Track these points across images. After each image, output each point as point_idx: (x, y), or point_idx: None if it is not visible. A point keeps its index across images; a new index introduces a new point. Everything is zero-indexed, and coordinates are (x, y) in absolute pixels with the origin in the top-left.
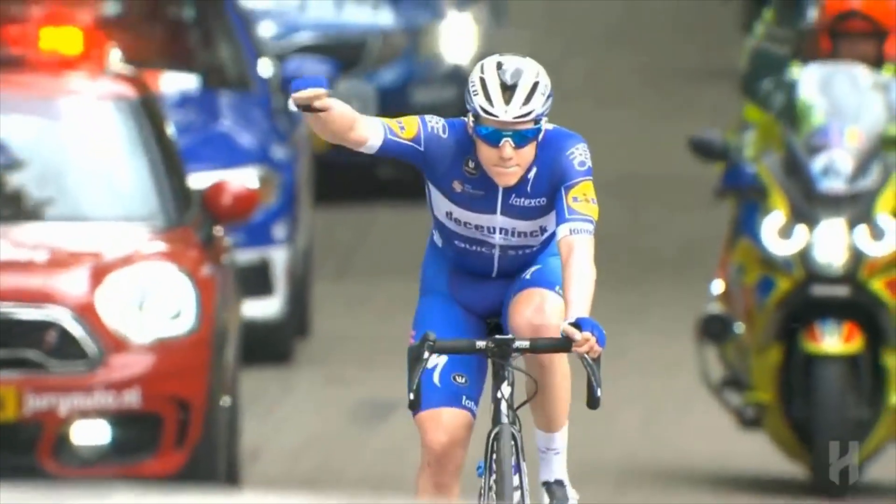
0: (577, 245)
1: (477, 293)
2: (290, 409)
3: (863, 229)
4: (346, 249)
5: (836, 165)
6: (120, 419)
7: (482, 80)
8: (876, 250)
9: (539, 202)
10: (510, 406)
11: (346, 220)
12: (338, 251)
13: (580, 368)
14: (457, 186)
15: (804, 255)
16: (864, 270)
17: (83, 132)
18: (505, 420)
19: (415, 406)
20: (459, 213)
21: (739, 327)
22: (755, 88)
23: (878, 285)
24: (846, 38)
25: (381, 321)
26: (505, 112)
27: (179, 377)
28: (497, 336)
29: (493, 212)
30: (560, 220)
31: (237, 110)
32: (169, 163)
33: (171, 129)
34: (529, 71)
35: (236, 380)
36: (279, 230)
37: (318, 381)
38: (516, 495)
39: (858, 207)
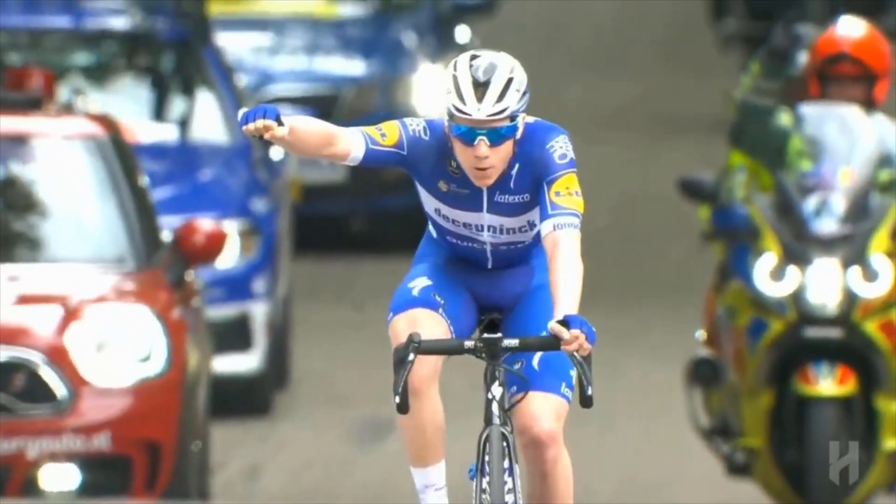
0: (562, 240)
1: (476, 279)
2: (267, 458)
3: (856, 270)
4: (320, 299)
5: (828, 206)
6: (90, 462)
7: (454, 78)
8: (869, 292)
9: (523, 198)
10: (501, 407)
11: (317, 270)
12: (312, 301)
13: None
14: (442, 186)
15: (797, 297)
16: (857, 312)
17: (52, 172)
18: (496, 421)
19: (403, 409)
20: (448, 210)
21: (729, 371)
22: (743, 139)
23: (871, 327)
24: (835, 82)
25: (359, 368)
26: (478, 110)
27: (150, 420)
28: (485, 335)
29: (480, 210)
30: (543, 216)
31: (217, 162)
32: (139, 203)
33: (145, 178)
34: (503, 67)
35: (207, 424)
36: (259, 284)
37: (302, 427)
38: (509, 498)
39: (851, 248)
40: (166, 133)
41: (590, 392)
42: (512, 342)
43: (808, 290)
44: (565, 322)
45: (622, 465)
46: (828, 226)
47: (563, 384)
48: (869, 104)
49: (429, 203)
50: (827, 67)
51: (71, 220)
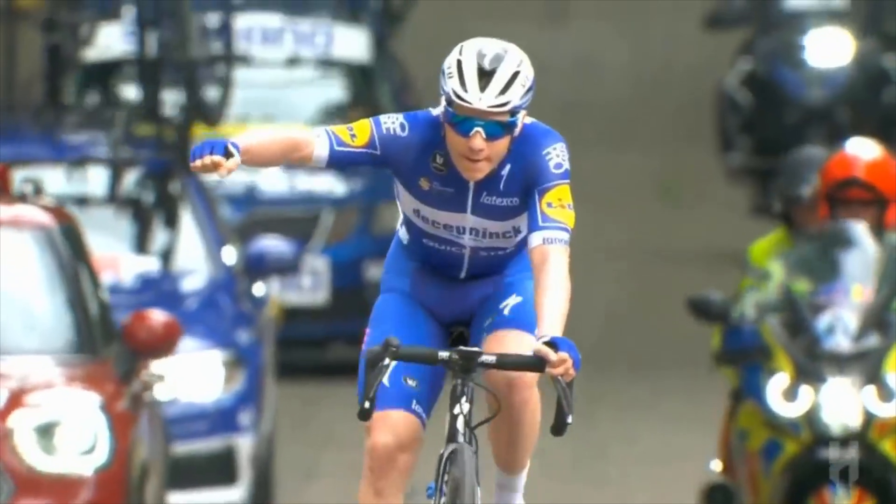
0: (551, 256)
1: (443, 296)
2: None
3: (871, 389)
4: (298, 423)
5: (841, 323)
6: None
7: (458, 63)
8: (885, 411)
9: (511, 202)
10: (468, 424)
11: (294, 394)
12: (289, 425)
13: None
14: (424, 184)
15: (811, 417)
16: (873, 432)
17: (2, 261)
18: (461, 439)
19: (368, 416)
20: (428, 211)
21: (743, 495)
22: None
23: (888, 447)
24: (846, 206)
25: (340, 492)
26: (479, 99)
27: None
28: (462, 348)
29: (464, 211)
30: (533, 226)
31: (201, 294)
32: (90, 294)
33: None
34: (511, 59)
35: None
36: (244, 417)
37: None
38: None
39: (866, 366)
40: (149, 265)
41: (569, 420)
42: (489, 358)
43: (822, 410)
44: (553, 344)
45: None
46: (841, 344)
47: (537, 330)
48: (880, 229)
49: (407, 203)
50: (838, 191)
51: (19, 311)
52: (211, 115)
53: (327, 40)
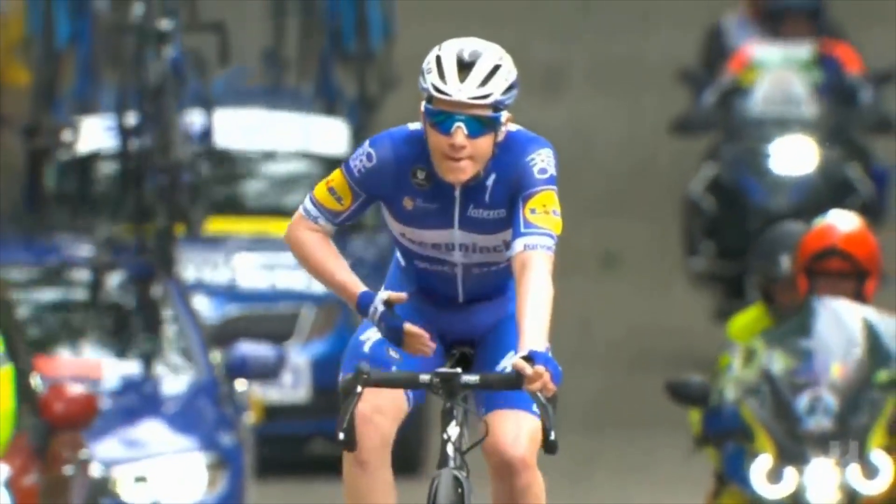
0: (532, 262)
1: (444, 318)
2: None
3: (855, 468)
4: None
5: (822, 403)
6: None
7: (437, 58)
8: (870, 489)
9: (499, 213)
10: (458, 449)
11: (275, 492)
12: None
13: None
14: (408, 204)
15: (797, 499)
16: None
17: None
18: (451, 464)
19: (349, 446)
20: (414, 233)
21: None
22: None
23: None
24: (824, 278)
25: None
26: (458, 90)
27: None
28: (441, 370)
29: (450, 226)
30: (515, 234)
31: (183, 397)
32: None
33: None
34: (492, 52)
35: None
36: None
37: None
38: None
39: (849, 445)
40: (130, 369)
41: (552, 437)
42: (472, 378)
43: (807, 491)
44: (529, 358)
45: None
46: (822, 423)
47: (534, 405)
48: (859, 301)
49: (394, 227)
50: (815, 263)
51: None
52: (193, 219)
53: (305, 133)
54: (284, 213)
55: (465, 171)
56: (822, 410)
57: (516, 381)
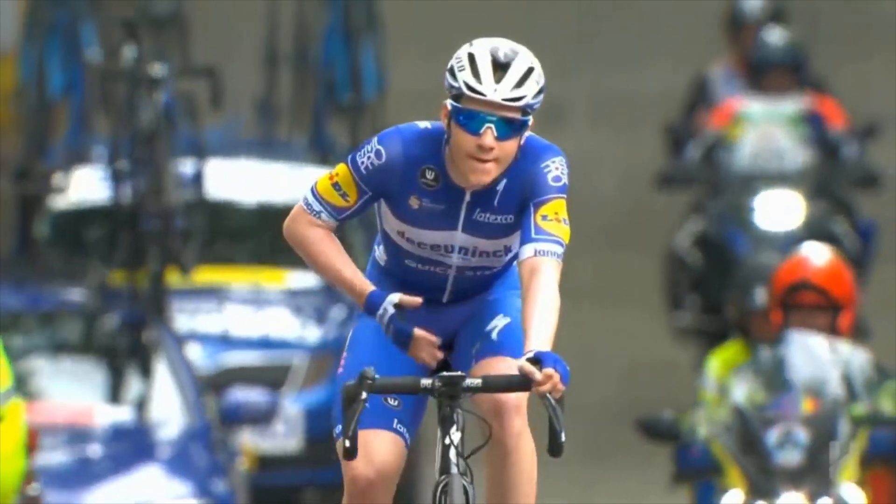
0: (542, 268)
1: (425, 321)
2: None
3: (826, 501)
4: None
5: (792, 437)
6: None
7: (471, 56)
8: None
9: (506, 219)
10: (460, 454)
11: None
12: None
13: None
14: (414, 203)
15: None
16: None
17: None
18: (454, 470)
19: (352, 454)
20: (414, 233)
21: None
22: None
23: None
24: (798, 311)
25: None
26: (494, 91)
27: None
28: (444, 373)
29: (454, 228)
30: (525, 238)
31: (176, 444)
32: None
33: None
34: (525, 55)
35: None
36: None
37: None
38: None
39: (819, 479)
40: (123, 415)
41: (562, 439)
42: (475, 381)
43: None
44: (537, 360)
45: None
46: (792, 458)
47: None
48: (833, 335)
49: (392, 225)
50: (789, 296)
51: None
52: (185, 263)
53: (299, 185)
54: (277, 264)
55: (489, 173)
56: (792, 444)
57: (522, 383)
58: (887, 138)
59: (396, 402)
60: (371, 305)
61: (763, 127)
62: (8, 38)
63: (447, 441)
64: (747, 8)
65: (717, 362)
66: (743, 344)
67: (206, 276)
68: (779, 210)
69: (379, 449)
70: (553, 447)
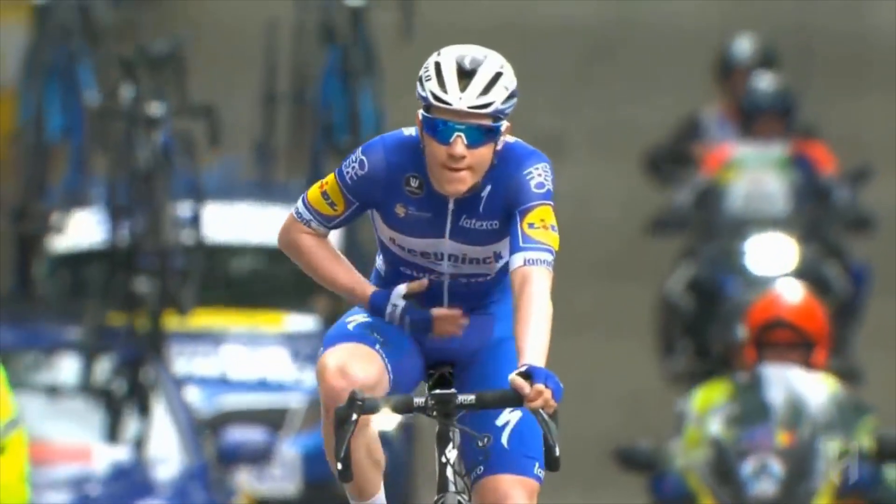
0: (533, 278)
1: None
2: None
3: None
4: None
5: (767, 469)
6: None
7: (437, 65)
8: None
9: (492, 225)
10: (457, 472)
11: None
12: None
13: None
14: (400, 211)
15: None
16: None
17: None
18: (452, 488)
19: (346, 476)
20: (404, 240)
21: None
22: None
23: None
24: (772, 349)
25: None
26: (459, 99)
27: None
28: (437, 391)
29: (441, 236)
30: (514, 248)
31: (174, 483)
32: None
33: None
34: (493, 60)
35: None
36: None
37: None
38: None
39: None
40: (121, 454)
41: (556, 454)
42: (468, 398)
43: None
44: (528, 374)
45: None
46: (767, 488)
47: (537, 464)
48: (807, 370)
49: (383, 232)
50: (763, 334)
51: None
52: (182, 303)
53: None
54: (275, 307)
55: (463, 181)
56: (767, 476)
57: (514, 398)
58: (885, 171)
59: (382, 339)
60: (376, 305)
61: (754, 171)
62: (8, 75)
63: (444, 460)
64: (737, 52)
65: (700, 396)
66: (728, 382)
67: (203, 319)
68: (771, 254)
69: (356, 349)
70: (549, 461)
